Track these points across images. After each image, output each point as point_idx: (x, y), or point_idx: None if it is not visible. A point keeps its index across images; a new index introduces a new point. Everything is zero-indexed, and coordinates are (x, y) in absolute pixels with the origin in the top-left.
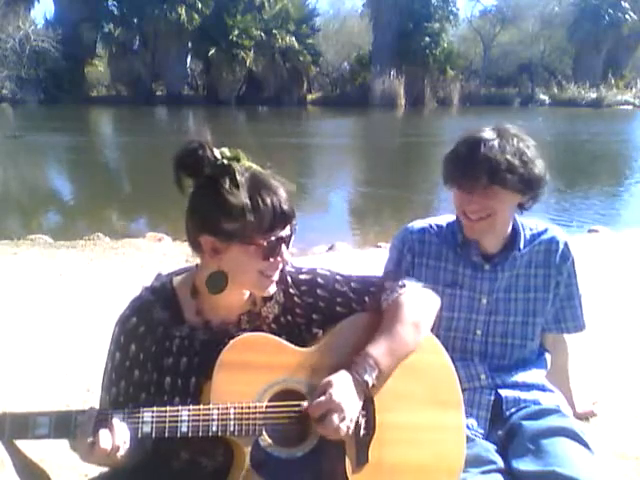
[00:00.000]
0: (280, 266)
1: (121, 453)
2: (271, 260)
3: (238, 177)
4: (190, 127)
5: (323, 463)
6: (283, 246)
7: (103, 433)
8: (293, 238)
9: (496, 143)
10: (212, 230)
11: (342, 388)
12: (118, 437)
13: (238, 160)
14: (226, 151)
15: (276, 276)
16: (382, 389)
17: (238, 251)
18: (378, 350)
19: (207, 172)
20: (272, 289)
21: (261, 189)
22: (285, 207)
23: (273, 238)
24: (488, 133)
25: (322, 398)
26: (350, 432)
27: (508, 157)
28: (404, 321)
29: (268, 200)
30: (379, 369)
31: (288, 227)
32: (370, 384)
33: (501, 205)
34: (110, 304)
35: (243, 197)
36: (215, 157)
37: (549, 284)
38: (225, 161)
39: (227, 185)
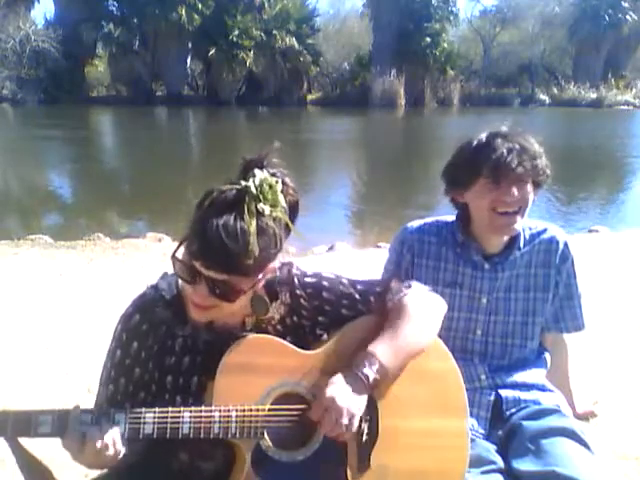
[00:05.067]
0: (195, 301)
1: (110, 452)
2: (185, 282)
3: (217, 194)
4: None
5: (324, 467)
6: (202, 284)
7: (93, 431)
8: (220, 287)
9: (519, 135)
10: None
11: (339, 385)
12: (107, 436)
13: (244, 189)
14: (256, 177)
15: (195, 312)
16: (386, 394)
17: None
18: (379, 346)
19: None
20: (194, 315)
21: (209, 218)
22: (206, 252)
23: (189, 262)
24: (498, 129)
25: (319, 399)
26: (353, 429)
27: (538, 147)
28: (407, 319)
29: (202, 229)
30: (380, 364)
31: (212, 272)
32: (372, 378)
33: (530, 195)
34: (110, 304)
35: (201, 209)
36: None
37: (549, 284)
38: (241, 179)
39: (208, 192)
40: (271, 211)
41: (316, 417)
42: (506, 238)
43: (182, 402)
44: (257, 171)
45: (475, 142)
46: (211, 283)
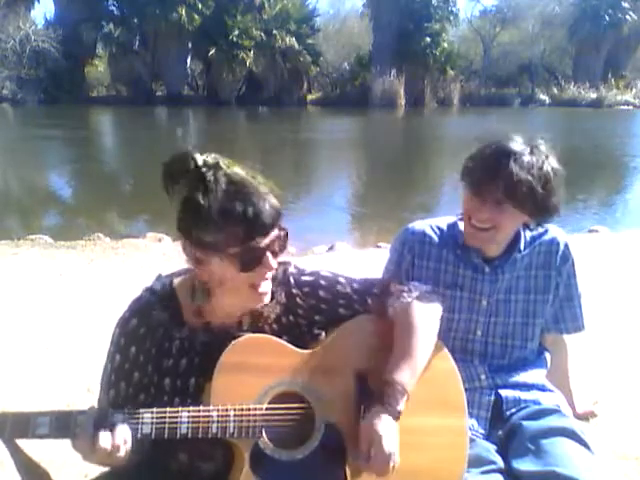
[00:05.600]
0: (269, 275)
1: (121, 452)
2: (252, 272)
3: (212, 185)
4: (178, 133)
5: (323, 466)
6: (268, 255)
7: (103, 432)
8: (278, 244)
9: (525, 160)
10: (191, 240)
11: (388, 434)
12: (118, 436)
13: (218, 167)
14: (208, 158)
15: (265, 287)
16: None
17: (217, 263)
18: (403, 375)
19: (186, 181)
20: (264, 301)
21: (236, 199)
22: (262, 218)
23: (250, 248)
24: (520, 145)
25: (377, 456)
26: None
27: (531, 179)
28: (419, 337)
29: (241, 211)
30: (407, 395)
31: (271, 235)
32: (402, 411)
33: (508, 222)
34: (110, 304)
35: (214, 207)
36: (196, 165)
37: (549, 285)
38: (203, 169)
39: (200, 195)
40: (242, 168)
41: (379, 473)
42: (503, 244)
43: (180, 404)
44: (195, 157)
45: (492, 147)
46: (272, 246)
